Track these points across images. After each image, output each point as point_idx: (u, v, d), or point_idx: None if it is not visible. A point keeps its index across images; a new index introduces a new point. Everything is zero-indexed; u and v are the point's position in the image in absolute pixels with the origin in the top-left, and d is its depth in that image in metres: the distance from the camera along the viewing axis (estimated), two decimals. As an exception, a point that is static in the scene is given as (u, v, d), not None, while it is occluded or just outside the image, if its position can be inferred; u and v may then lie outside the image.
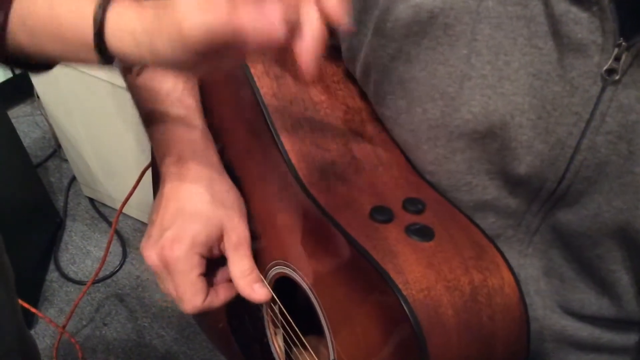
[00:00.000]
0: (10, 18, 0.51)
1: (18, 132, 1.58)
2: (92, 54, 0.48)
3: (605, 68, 0.44)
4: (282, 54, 0.61)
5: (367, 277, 0.47)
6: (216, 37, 0.40)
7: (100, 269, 1.07)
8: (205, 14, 0.40)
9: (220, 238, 0.60)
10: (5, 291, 0.66)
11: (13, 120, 1.56)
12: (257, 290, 0.59)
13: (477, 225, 0.51)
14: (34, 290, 1.62)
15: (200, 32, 0.40)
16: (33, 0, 0.51)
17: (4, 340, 0.65)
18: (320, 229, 0.53)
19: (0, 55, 0.54)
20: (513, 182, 0.52)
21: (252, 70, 0.59)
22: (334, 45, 0.60)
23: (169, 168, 0.62)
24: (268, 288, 0.60)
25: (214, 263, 0.62)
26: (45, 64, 0.57)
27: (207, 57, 0.43)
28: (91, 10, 0.47)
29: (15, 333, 0.69)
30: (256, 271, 0.60)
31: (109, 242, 0.96)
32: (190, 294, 0.58)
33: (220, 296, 0.61)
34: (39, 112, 2.09)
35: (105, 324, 1.59)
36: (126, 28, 0.46)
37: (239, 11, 0.39)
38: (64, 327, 1.26)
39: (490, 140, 0.50)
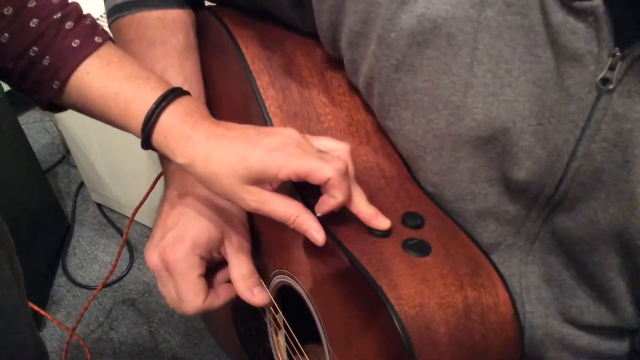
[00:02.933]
0: (64, 89, 0.55)
1: (27, 137, 1.59)
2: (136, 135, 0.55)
3: (600, 77, 0.44)
4: (287, 65, 0.62)
5: (362, 290, 0.47)
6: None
7: (110, 274, 1.07)
8: (275, 208, 0.51)
9: (220, 242, 0.61)
10: (18, 290, 0.68)
11: (23, 126, 1.57)
12: (256, 294, 0.60)
13: (476, 242, 0.52)
14: (42, 294, 1.63)
15: (264, 212, 0.50)
16: (89, 86, 0.55)
17: (19, 334, 0.66)
18: None
19: (44, 105, 0.59)
20: (513, 188, 0.52)
21: (258, 82, 0.60)
22: (334, 58, 0.60)
23: (173, 173, 0.63)
24: (267, 292, 0.61)
25: (213, 264, 0.62)
26: None
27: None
28: (140, 122, 0.53)
29: (29, 330, 0.70)
30: (256, 275, 0.61)
31: (120, 250, 0.97)
32: (191, 294, 0.59)
33: (221, 297, 0.62)
34: (48, 118, 2.11)
35: (112, 329, 1.59)
36: (167, 147, 0.53)
37: (298, 220, 0.50)
38: (73, 329, 1.27)
39: (492, 146, 0.51)
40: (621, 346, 0.57)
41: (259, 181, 0.50)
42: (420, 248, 0.48)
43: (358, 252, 0.48)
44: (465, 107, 0.50)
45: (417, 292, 0.45)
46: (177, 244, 0.58)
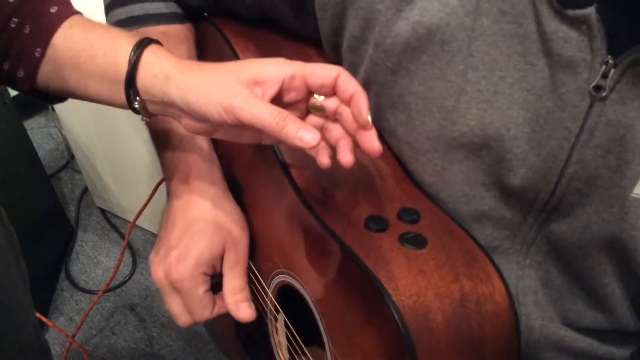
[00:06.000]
0: (46, 52, 0.55)
1: (32, 143, 1.61)
2: (120, 93, 0.53)
3: (593, 84, 0.45)
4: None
5: (361, 284, 0.48)
6: (257, 126, 0.47)
7: (111, 279, 1.08)
8: (259, 112, 0.47)
9: (222, 255, 0.62)
10: (24, 290, 0.68)
11: (28, 132, 1.58)
12: (242, 309, 0.62)
13: (472, 236, 0.52)
14: (44, 299, 1.63)
15: (247, 117, 0.47)
16: (71, 37, 0.54)
17: (24, 334, 0.67)
18: (318, 239, 0.54)
19: (27, 86, 0.57)
20: (508, 194, 0.53)
21: None
22: (334, 61, 0.62)
23: (176, 186, 0.64)
24: (253, 309, 0.63)
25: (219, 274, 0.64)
26: (60, 97, 0.61)
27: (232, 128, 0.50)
28: (128, 51, 0.52)
29: (34, 330, 0.71)
30: (246, 290, 0.63)
31: (121, 256, 0.97)
32: (199, 308, 0.61)
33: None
34: (52, 124, 2.12)
35: (114, 333, 1.60)
36: (161, 68, 0.51)
37: (286, 125, 0.46)
38: (73, 336, 1.27)
39: (486, 152, 0.52)
40: (620, 350, 0.57)
41: (262, 81, 0.49)
42: (417, 241, 0.49)
43: (356, 246, 0.49)
44: (458, 112, 0.51)
45: (414, 283, 0.46)
46: (181, 264, 0.60)
